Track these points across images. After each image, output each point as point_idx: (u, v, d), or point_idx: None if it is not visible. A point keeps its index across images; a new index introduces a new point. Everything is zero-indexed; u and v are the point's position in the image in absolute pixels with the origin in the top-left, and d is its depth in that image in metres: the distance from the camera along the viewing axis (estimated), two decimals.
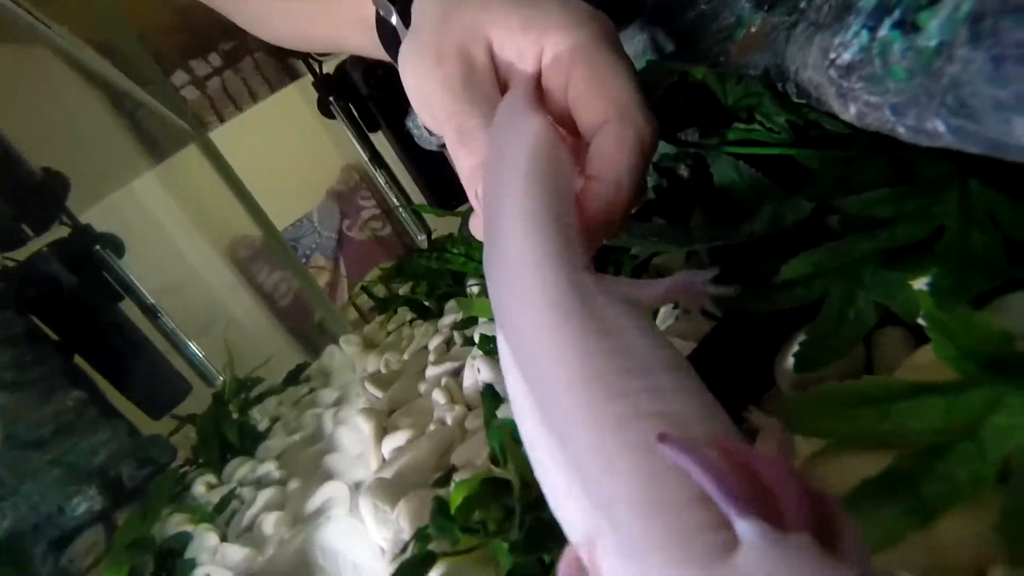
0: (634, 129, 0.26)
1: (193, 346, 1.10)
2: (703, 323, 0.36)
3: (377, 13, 0.36)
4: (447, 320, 0.75)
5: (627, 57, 0.29)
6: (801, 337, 0.29)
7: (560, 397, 0.18)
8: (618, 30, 0.42)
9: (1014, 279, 0.24)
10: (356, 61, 0.96)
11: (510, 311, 0.22)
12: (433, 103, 0.31)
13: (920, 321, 0.26)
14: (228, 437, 0.78)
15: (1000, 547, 0.19)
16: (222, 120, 2.02)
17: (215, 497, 0.68)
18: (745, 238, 0.30)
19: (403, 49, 0.33)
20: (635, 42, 0.47)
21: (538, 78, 0.30)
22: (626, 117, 0.27)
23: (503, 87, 0.30)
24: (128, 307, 1.05)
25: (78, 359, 0.95)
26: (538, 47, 0.29)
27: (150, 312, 1.06)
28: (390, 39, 0.37)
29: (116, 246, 1.04)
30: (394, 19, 0.35)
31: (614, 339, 0.19)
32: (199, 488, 0.73)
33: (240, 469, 0.74)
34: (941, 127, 0.17)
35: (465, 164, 0.29)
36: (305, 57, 0.96)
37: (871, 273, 0.27)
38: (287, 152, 2.11)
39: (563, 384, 0.18)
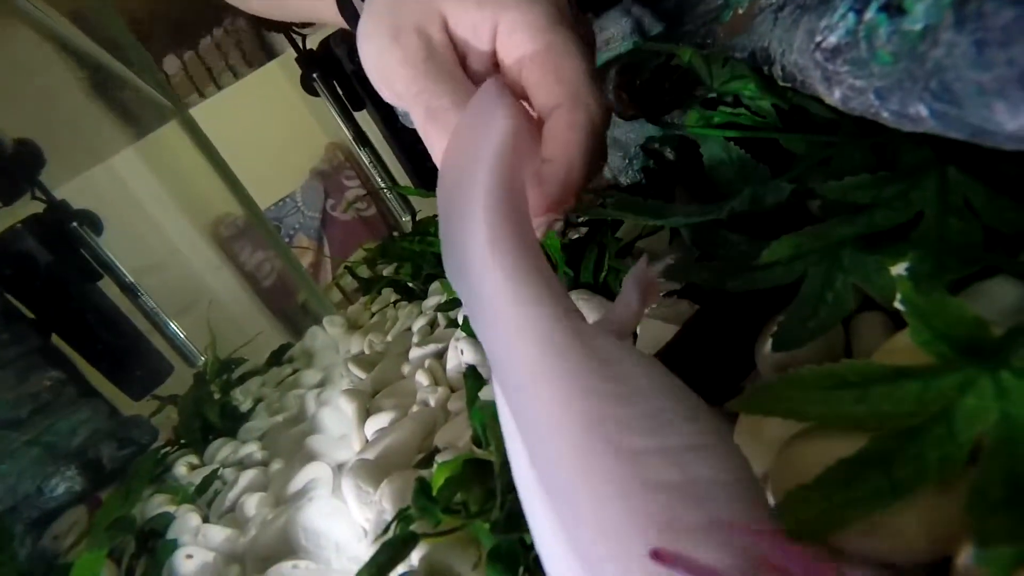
0: (585, 112, 0.27)
1: (174, 326, 1.09)
2: (686, 306, 0.36)
3: None
4: (431, 302, 0.74)
5: (579, 35, 0.29)
6: (779, 318, 0.29)
7: (559, 455, 0.16)
8: (605, 10, 0.42)
9: (990, 266, 0.25)
10: (340, 37, 0.94)
11: (501, 360, 0.20)
12: (395, 80, 0.30)
13: (897, 305, 0.27)
14: (210, 418, 0.78)
15: (969, 526, 0.19)
16: (203, 96, 1.98)
17: (197, 478, 0.67)
18: (724, 215, 0.30)
19: (361, 26, 0.32)
20: (621, 24, 0.46)
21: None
22: (578, 100, 0.27)
23: (462, 61, 0.30)
24: (107, 286, 1.04)
25: (56, 339, 0.94)
26: (493, 23, 0.29)
27: (130, 291, 1.04)
28: (351, 15, 0.36)
29: (93, 223, 1.01)
30: None
31: (619, 382, 0.17)
32: (181, 469, 0.72)
33: (222, 450, 0.74)
34: (924, 112, 0.17)
35: (436, 144, 0.29)
36: (288, 32, 0.94)
37: (850, 256, 0.28)
38: (270, 130, 2.08)
39: (562, 436, 0.16)
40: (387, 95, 0.32)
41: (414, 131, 0.52)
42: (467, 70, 0.31)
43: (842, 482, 0.20)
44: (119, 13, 1.49)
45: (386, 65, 0.31)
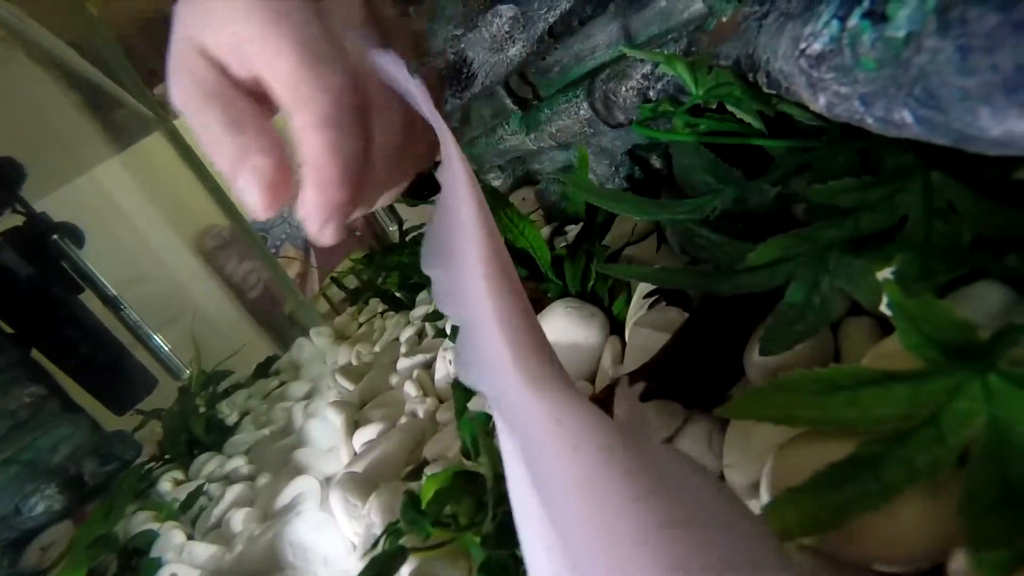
0: (308, 112, 0.25)
1: (158, 339, 1.08)
2: (676, 313, 0.36)
3: None
4: (419, 312, 0.74)
5: (291, 20, 0.26)
6: (768, 323, 0.29)
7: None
8: (590, 18, 0.42)
9: (976, 269, 0.25)
10: None
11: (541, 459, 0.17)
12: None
13: (884, 310, 0.27)
14: (195, 432, 0.77)
15: (962, 530, 0.19)
16: None
17: (182, 494, 0.66)
18: (709, 214, 0.30)
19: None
20: (608, 31, 0.46)
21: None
22: (298, 102, 0.26)
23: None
24: (90, 299, 1.02)
25: (36, 353, 0.92)
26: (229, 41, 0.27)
27: (112, 304, 1.03)
28: None
29: (75, 235, 1.00)
30: None
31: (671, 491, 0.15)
32: (165, 484, 0.71)
33: (208, 465, 0.73)
34: (909, 118, 0.17)
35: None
36: None
37: (836, 260, 0.28)
38: None
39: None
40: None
41: None
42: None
43: (832, 484, 0.20)
44: (106, 26, 1.48)
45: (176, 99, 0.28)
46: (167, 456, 0.79)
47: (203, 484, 0.67)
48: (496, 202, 0.43)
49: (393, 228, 0.98)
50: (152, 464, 0.79)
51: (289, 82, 0.26)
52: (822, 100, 0.20)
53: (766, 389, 0.22)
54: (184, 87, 0.28)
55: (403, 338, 0.70)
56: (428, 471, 0.42)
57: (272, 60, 0.26)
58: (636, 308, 0.40)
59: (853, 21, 0.18)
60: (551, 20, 0.44)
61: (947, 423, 0.21)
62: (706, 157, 0.32)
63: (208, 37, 0.28)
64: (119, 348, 0.94)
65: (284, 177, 0.27)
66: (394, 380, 0.63)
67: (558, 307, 0.44)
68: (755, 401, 0.23)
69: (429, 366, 0.60)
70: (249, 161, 0.27)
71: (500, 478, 0.29)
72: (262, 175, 0.27)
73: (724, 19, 0.31)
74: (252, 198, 0.27)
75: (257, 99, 0.28)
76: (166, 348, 1.08)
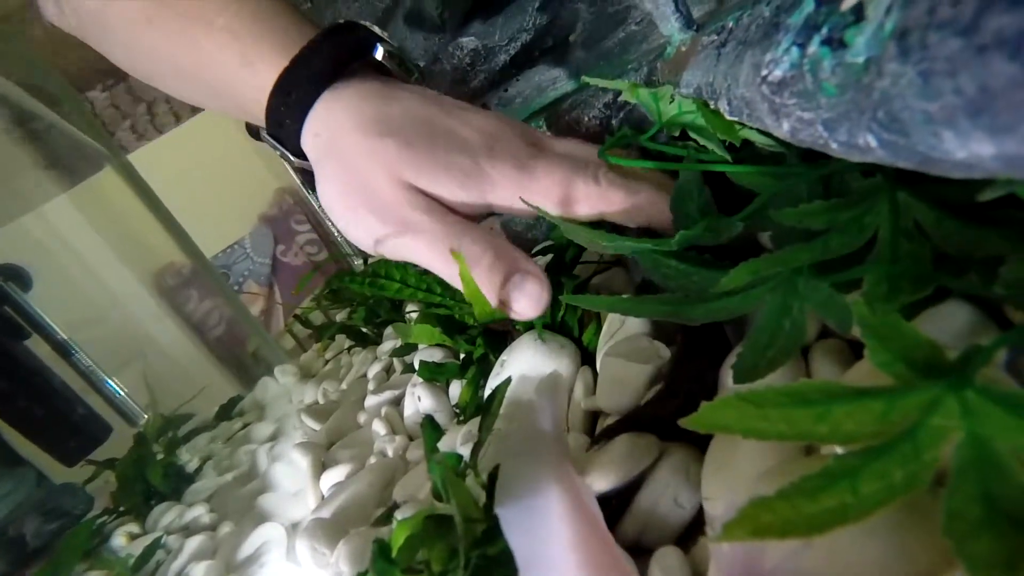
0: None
1: (113, 384, 1.03)
2: (648, 342, 0.36)
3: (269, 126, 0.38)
4: (386, 346, 0.72)
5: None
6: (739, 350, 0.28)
7: None
8: (552, 49, 0.42)
9: (943, 288, 0.25)
10: None
11: None
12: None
13: (856, 332, 0.27)
14: (152, 481, 0.73)
15: (954, 552, 0.19)
16: (145, 140, 1.93)
17: (138, 548, 0.62)
18: (675, 245, 0.30)
19: (321, 176, 0.36)
20: (569, 62, 0.47)
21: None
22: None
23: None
24: (38, 344, 0.97)
25: None
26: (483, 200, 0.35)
27: (62, 349, 0.98)
28: (279, 126, 0.38)
29: (20, 278, 0.96)
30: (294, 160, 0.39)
31: None
32: (119, 539, 0.67)
33: (166, 515, 0.69)
34: (873, 142, 0.17)
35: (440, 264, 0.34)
36: None
37: (805, 283, 0.28)
38: (217, 175, 2.03)
39: None
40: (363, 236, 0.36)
41: None
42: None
43: (808, 494, 0.20)
44: (50, 60, 1.45)
45: (386, 240, 0.35)
46: (121, 508, 0.75)
47: (160, 536, 0.63)
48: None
49: (359, 262, 0.96)
50: (104, 518, 0.75)
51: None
52: (785, 126, 0.20)
53: (733, 400, 0.22)
54: (401, 217, 0.34)
55: (371, 374, 0.69)
56: (399, 514, 0.41)
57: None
58: (606, 338, 0.40)
59: (812, 48, 0.18)
60: (512, 52, 0.44)
61: (923, 439, 0.21)
62: (706, 195, 0.33)
63: (416, 171, 0.34)
64: (69, 395, 0.89)
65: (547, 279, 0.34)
66: (362, 418, 0.62)
67: (527, 339, 0.43)
68: (721, 411, 0.22)
69: (398, 403, 0.59)
70: (520, 268, 0.33)
71: (471, 521, 0.28)
72: (537, 277, 0.33)
73: (683, 48, 0.31)
74: (533, 295, 0.33)
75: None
76: (122, 393, 1.04)
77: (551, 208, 0.33)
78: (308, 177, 0.38)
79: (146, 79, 0.44)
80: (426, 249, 0.33)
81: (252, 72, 0.37)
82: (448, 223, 0.33)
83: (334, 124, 0.35)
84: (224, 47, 0.37)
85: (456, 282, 0.34)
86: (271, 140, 0.39)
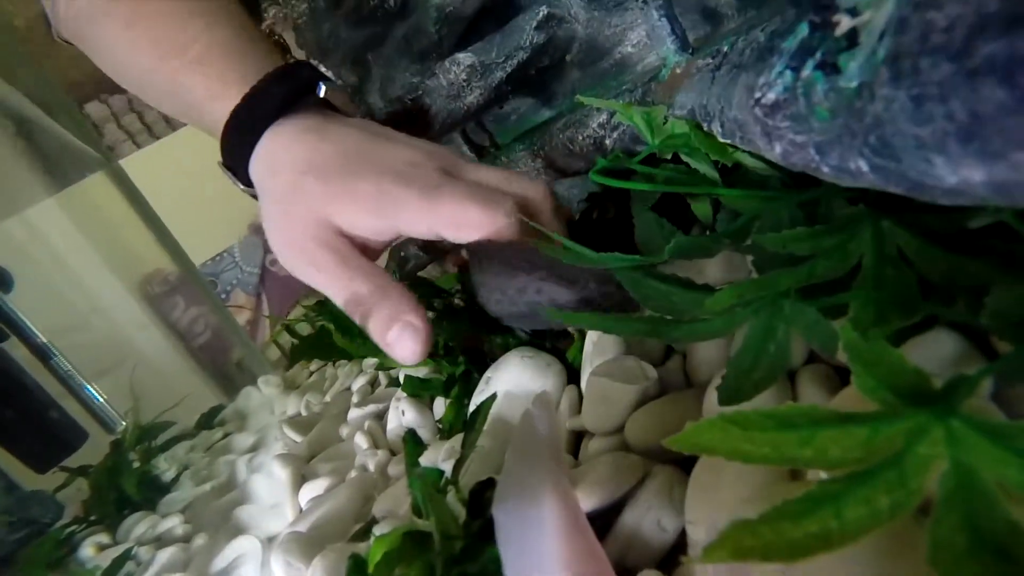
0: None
1: (92, 389, 1.01)
2: (633, 361, 0.36)
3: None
4: (371, 360, 0.72)
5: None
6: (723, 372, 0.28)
7: None
8: (548, 68, 0.43)
9: (928, 317, 0.25)
10: None
11: None
12: (312, 278, 0.37)
13: (841, 356, 0.27)
14: (126, 489, 0.71)
15: None
16: (137, 147, 1.93)
17: (107, 560, 0.61)
18: (664, 258, 0.30)
19: (264, 211, 0.39)
20: (564, 81, 0.47)
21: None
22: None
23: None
24: (16, 347, 0.95)
25: None
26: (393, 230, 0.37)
27: (41, 353, 0.96)
28: (235, 160, 0.42)
29: (1, 279, 0.94)
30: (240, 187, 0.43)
31: None
32: (87, 550, 0.65)
33: (139, 526, 0.68)
34: (864, 166, 0.17)
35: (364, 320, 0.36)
36: None
37: (791, 307, 0.28)
38: (207, 183, 2.02)
39: None
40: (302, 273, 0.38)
41: None
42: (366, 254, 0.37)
43: (792, 518, 0.20)
44: (50, 72, 1.44)
45: (298, 268, 0.37)
46: (92, 517, 0.73)
47: (131, 548, 0.62)
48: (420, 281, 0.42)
49: None
50: (74, 527, 0.72)
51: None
52: (778, 149, 0.20)
53: (717, 421, 0.22)
54: (312, 256, 0.36)
55: (355, 387, 0.68)
56: (377, 530, 0.40)
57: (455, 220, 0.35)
58: (591, 356, 0.39)
59: (806, 72, 0.18)
60: (509, 69, 0.45)
61: (909, 466, 0.21)
62: (666, 227, 0.33)
63: (331, 206, 0.36)
64: (43, 400, 0.87)
65: (429, 328, 0.35)
66: (344, 431, 0.61)
67: (513, 356, 0.42)
68: (706, 432, 0.22)
69: (381, 417, 0.58)
70: (402, 318, 0.34)
71: (450, 538, 0.28)
72: (416, 328, 0.34)
73: (678, 70, 0.32)
74: (408, 347, 0.34)
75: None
76: (100, 399, 1.02)
77: (451, 234, 0.36)
78: None
79: (136, 94, 0.48)
80: (327, 286, 0.37)
81: (218, 105, 0.41)
82: (347, 265, 0.36)
83: (272, 161, 0.39)
84: (195, 78, 0.42)
85: (357, 319, 0.36)
86: (226, 170, 0.43)
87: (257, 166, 0.40)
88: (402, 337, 0.34)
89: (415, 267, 0.62)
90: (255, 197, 0.42)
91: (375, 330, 0.35)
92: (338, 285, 0.36)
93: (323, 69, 0.56)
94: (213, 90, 0.41)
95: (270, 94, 0.40)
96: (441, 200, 0.35)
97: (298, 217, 0.37)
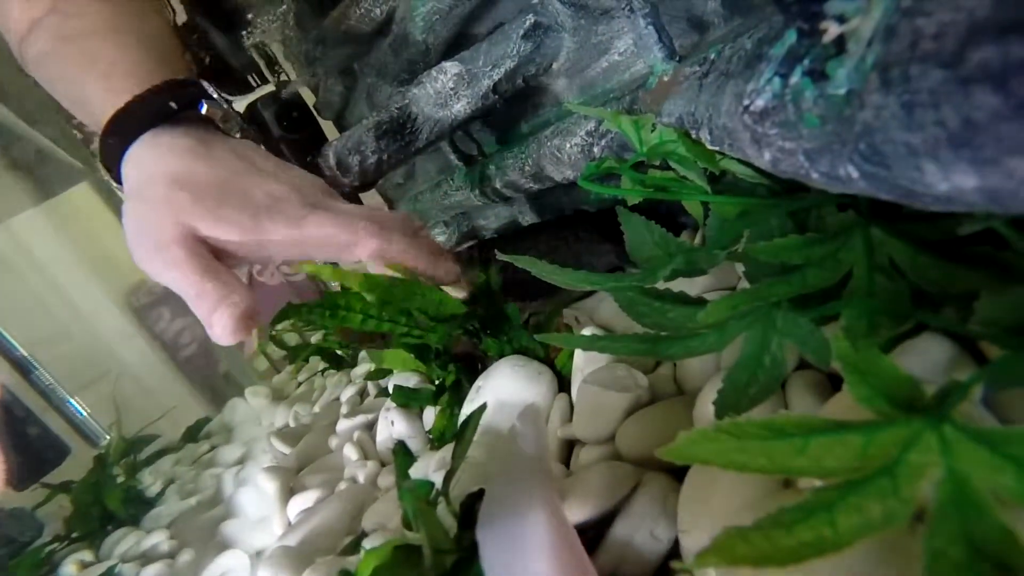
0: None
1: (74, 403, 0.99)
2: (624, 370, 0.35)
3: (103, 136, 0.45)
4: (360, 370, 0.71)
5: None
6: (717, 384, 0.28)
7: None
8: (535, 76, 0.43)
9: (919, 324, 0.25)
10: (267, 99, 0.92)
11: None
12: (167, 277, 0.41)
13: (835, 365, 0.26)
14: (110, 505, 0.70)
15: None
16: None
17: None
18: (659, 279, 0.30)
19: (126, 210, 0.43)
20: (550, 89, 0.47)
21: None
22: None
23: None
24: None
25: None
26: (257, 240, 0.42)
27: (20, 366, 0.94)
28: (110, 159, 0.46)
29: None
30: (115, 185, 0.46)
31: None
32: (69, 568, 0.64)
33: (123, 542, 0.66)
34: (854, 173, 0.17)
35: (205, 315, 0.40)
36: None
37: (783, 318, 0.28)
38: None
39: None
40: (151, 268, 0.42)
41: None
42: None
43: (785, 525, 0.19)
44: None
45: (153, 265, 0.42)
46: (75, 534, 0.71)
47: (115, 565, 0.61)
48: (407, 285, 0.43)
49: (335, 284, 0.95)
50: (55, 545, 0.71)
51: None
52: (767, 156, 0.20)
53: (711, 431, 0.22)
54: (173, 256, 0.40)
55: (344, 398, 0.67)
56: (367, 543, 0.39)
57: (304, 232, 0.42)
58: (582, 365, 0.39)
59: (794, 79, 0.18)
60: (496, 77, 0.45)
61: (902, 474, 0.20)
62: (656, 232, 0.33)
63: (201, 222, 0.41)
64: (25, 415, 0.85)
65: (253, 313, 0.40)
66: (333, 443, 0.60)
67: (504, 365, 0.42)
68: (700, 442, 0.22)
69: (371, 428, 0.57)
70: (229, 299, 0.39)
71: (441, 552, 0.27)
72: (236, 307, 0.39)
73: (665, 78, 0.32)
74: (224, 323, 0.39)
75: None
76: (84, 413, 1.00)
77: (326, 254, 0.43)
78: None
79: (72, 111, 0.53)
80: (180, 281, 0.41)
81: (108, 109, 0.45)
82: (200, 265, 0.40)
83: (144, 168, 0.43)
84: (97, 89, 0.46)
85: (198, 311, 0.41)
86: (104, 169, 0.47)
87: (129, 168, 0.43)
88: (223, 314, 0.39)
89: None
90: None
91: (200, 311, 0.40)
92: (189, 282, 0.40)
93: (310, 78, 0.59)
94: (108, 99, 0.45)
95: (150, 102, 0.44)
96: (306, 227, 0.41)
97: (167, 222, 0.41)
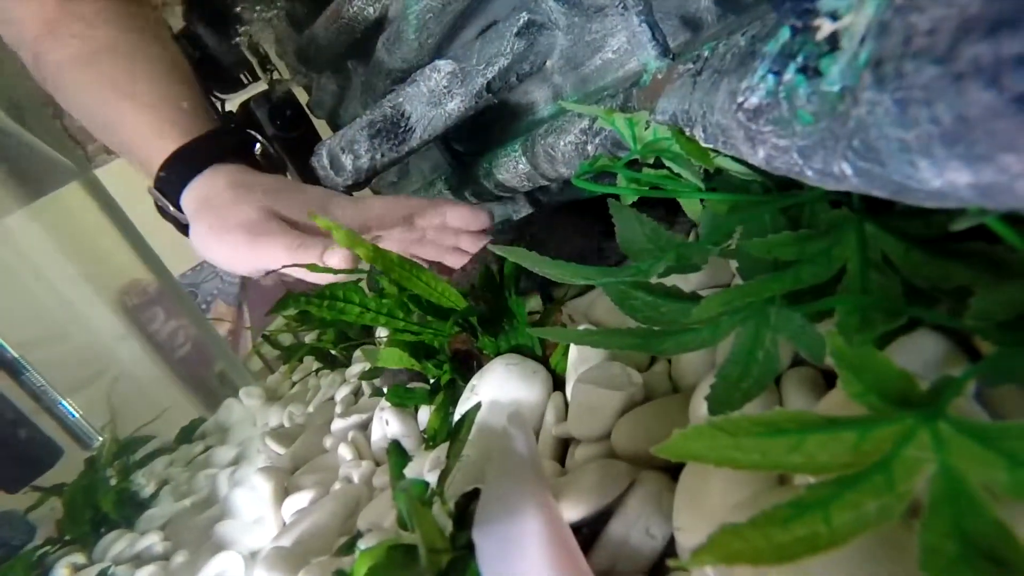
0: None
1: (67, 405, 0.98)
2: (619, 368, 0.35)
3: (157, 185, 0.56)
4: (355, 369, 0.71)
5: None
6: (712, 381, 0.28)
7: None
8: (529, 75, 0.43)
9: (913, 320, 0.25)
10: (261, 99, 0.92)
11: None
12: (271, 249, 0.51)
13: (829, 361, 0.26)
14: (103, 507, 0.69)
15: None
16: (115, 155, 1.89)
17: None
18: (652, 276, 0.30)
19: (199, 228, 0.53)
20: (543, 89, 0.47)
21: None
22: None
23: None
24: None
25: None
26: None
27: (11, 368, 0.93)
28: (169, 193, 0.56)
29: None
30: (171, 209, 0.56)
31: None
32: (61, 571, 0.63)
33: (116, 544, 0.66)
34: (848, 170, 0.17)
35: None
36: (205, 93, 0.91)
37: (777, 313, 0.28)
38: None
39: None
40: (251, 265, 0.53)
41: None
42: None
43: (780, 522, 0.20)
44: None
45: (250, 255, 0.51)
46: (67, 537, 0.71)
47: (108, 568, 0.60)
48: (411, 267, 0.42)
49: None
50: (47, 548, 0.70)
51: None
52: (761, 153, 0.20)
53: (706, 428, 0.22)
54: (269, 228, 0.50)
55: (338, 397, 0.67)
56: (362, 543, 0.39)
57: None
58: (576, 363, 0.39)
59: (788, 76, 0.18)
60: (489, 76, 0.44)
61: (897, 470, 0.20)
62: (647, 226, 0.33)
63: (276, 203, 0.52)
64: (15, 417, 0.84)
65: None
66: (328, 443, 0.60)
67: (499, 364, 0.42)
68: (695, 439, 0.22)
69: (365, 427, 0.57)
70: (327, 241, 0.49)
71: (436, 552, 0.27)
72: (337, 252, 0.48)
73: (659, 76, 0.32)
74: (340, 254, 0.48)
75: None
76: (76, 415, 0.99)
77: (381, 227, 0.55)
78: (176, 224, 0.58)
79: (84, 123, 0.61)
80: (281, 243, 0.49)
81: (163, 141, 0.54)
82: (291, 227, 0.51)
83: (213, 185, 0.53)
84: (143, 117, 0.55)
85: (309, 258, 0.49)
86: (155, 192, 0.56)
87: (196, 189, 0.53)
88: (332, 255, 0.48)
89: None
90: (174, 220, 0.57)
91: (318, 258, 0.48)
92: (291, 239, 0.49)
93: (303, 77, 0.62)
94: (163, 130, 0.54)
95: (218, 140, 0.55)
96: (370, 205, 0.56)
97: (250, 208, 0.50)
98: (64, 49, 0.55)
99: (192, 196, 0.53)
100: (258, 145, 0.59)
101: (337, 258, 0.47)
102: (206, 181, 0.53)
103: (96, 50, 0.55)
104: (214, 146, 0.55)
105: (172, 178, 0.54)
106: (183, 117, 0.55)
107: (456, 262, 0.51)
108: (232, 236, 0.50)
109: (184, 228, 0.56)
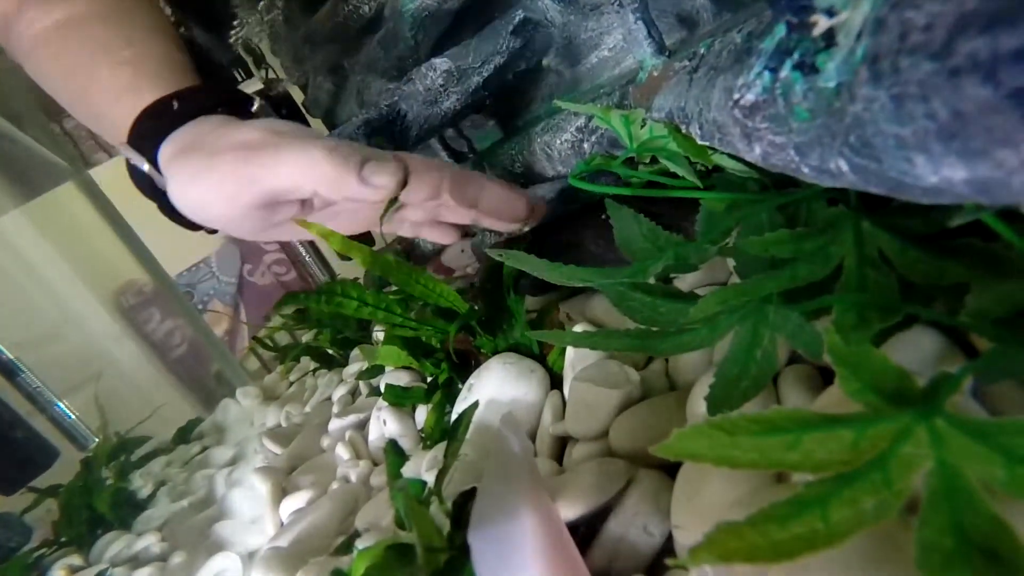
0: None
1: (62, 406, 0.98)
2: (616, 366, 0.35)
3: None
4: (352, 369, 0.71)
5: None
6: (709, 379, 0.28)
7: None
8: (524, 73, 0.42)
9: (909, 316, 0.25)
10: (265, 93, 0.92)
11: None
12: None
13: (826, 358, 0.26)
14: (99, 508, 0.69)
15: None
16: (111, 155, 1.89)
17: None
18: (650, 277, 0.30)
19: (188, 172, 0.42)
20: (543, 85, 0.47)
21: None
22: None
23: None
24: None
25: None
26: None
27: (6, 369, 0.93)
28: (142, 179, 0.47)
29: None
30: (146, 167, 0.46)
31: None
32: (58, 573, 0.63)
33: (113, 545, 0.66)
34: (844, 166, 0.17)
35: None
36: None
37: (775, 312, 0.28)
38: None
39: None
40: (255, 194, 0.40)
41: None
42: None
43: (778, 520, 0.20)
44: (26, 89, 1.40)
45: (257, 173, 0.40)
46: (63, 539, 0.70)
47: (106, 569, 0.60)
48: (410, 270, 0.42)
49: (325, 278, 0.95)
50: (43, 550, 0.70)
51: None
52: (757, 150, 0.20)
53: (703, 427, 0.21)
54: (294, 143, 0.39)
55: (335, 397, 0.67)
56: (360, 543, 0.39)
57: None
58: (573, 361, 0.39)
59: (784, 72, 0.18)
60: (486, 74, 0.44)
61: (894, 467, 0.20)
62: (644, 225, 0.33)
63: (281, 180, 0.39)
64: (9, 418, 0.84)
65: None
66: (325, 442, 0.60)
67: (496, 363, 0.42)
68: (693, 439, 0.22)
69: (363, 427, 0.57)
70: (370, 157, 0.39)
71: (434, 551, 0.27)
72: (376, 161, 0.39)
73: (655, 73, 0.32)
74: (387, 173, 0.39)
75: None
76: (72, 416, 0.99)
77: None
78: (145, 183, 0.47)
79: (56, 97, 0.53)
80: (298, 152, 0.39)
81: (136, 96, 0.46)
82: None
83: (198, 132, 0.43)
84: (119, 74, 0.48)
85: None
86: (126, 147, 0.46)
87: (178, 138, 0.44)
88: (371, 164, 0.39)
89: (420, 255, 0.63)
90: (147, 184, 0.47)
91: (353, 168, 0.39)
92: (315, 139, 0.40)
93: (299, 76, 0.58)
94: (139, 85, 0.47)
95: (210, 92, 0.47)
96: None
97: (247, 127, 0.41)
98: (49, 16, 0.50)
99: (171, 146, 0.44)
100: (255, 103, 0.49)
101: (387, 175, 0.38)
102: (191, 128, 0.44)
103: (86, 14, 0.50)
104: (204, 97, 0.46)
105: (152, 127, 0.45)
106: (174, 69, 0.49)
107: (450, 237, 0.45)
108: (222, 160, 0.40)
109: (159, 196, 0.47)
